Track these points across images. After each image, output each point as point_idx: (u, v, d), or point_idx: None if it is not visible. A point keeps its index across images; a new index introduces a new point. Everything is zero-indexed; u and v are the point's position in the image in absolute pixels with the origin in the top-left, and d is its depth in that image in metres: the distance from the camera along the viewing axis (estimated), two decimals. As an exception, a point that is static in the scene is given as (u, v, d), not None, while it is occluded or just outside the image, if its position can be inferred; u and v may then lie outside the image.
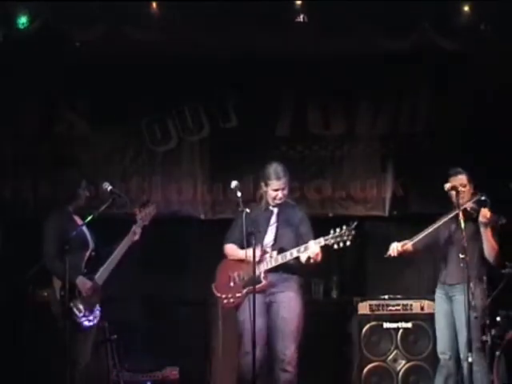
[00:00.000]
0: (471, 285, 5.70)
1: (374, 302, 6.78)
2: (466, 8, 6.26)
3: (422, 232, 5.88)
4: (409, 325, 6.69)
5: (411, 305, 6.74)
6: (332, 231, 5.62)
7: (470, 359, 5.46)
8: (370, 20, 6.33)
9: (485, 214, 5.71)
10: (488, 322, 5.79)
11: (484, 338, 5.75)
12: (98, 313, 5.65)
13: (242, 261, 5.74)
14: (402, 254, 5.96)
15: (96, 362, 5.75)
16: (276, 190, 5.80)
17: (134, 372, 6.58)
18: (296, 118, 7.47)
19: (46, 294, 6.33)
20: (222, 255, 6.00)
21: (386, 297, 6.83)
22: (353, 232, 5.62)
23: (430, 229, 5.87)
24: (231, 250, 5.92)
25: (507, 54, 6.52)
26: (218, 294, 5.90)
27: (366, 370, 6.66)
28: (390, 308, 6.77)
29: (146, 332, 7.06)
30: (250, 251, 5.57)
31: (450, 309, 5.92)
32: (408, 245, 5.91)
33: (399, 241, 6.29)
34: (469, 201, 5.78)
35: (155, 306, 7.15)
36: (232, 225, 6.00)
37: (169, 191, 7.41)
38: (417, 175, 7.17)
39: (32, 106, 7.25)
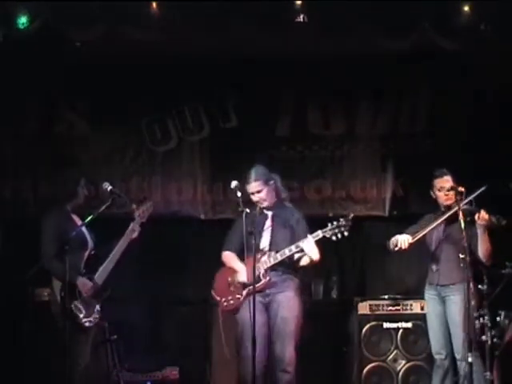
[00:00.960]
0: (461, 286, 5.75)
1: (373, 302, 6.78)
2: (466, 8, 6.26)
3: (422, 229, 5.91)
4: (409, 325, 6.69)
5: (411, 305, 6.74)
6: (329, 223, 5.70)
7: (470, 359, 5.46)
8: (370, 20, 6.33)
9: (483, 216, 5.71)
10: (488, 321, 5.80)
11: (484, 337, 5.76)
12: (97, 313, 5.65)
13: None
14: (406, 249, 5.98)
15: (96, 362, 5.75)
16: (252, 194, 5.85)
17: (134, 372, 6.57)
18: (296, 118, 7.47)
19: (45, 293, 6.35)
20: (221, 258, 6.04)
21: (386, 297, 6.84)
22: (350, 223, 5.71)
23: (432, 226, 5.89)
24: (229, 259, 5.97)
25: (507, 53, 6.52)
26: (218, 298, 5.92)
27: (365, 370, 6.66)
28: (390, 308, 6.77)
29: (146, 332, 7.06)
30: (243, 267, 5.76)
31: (443, 309, 5.96)
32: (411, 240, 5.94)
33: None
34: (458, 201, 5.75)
35: (155, 305, 7.15)
36: (231, 229, 6.03)
37: (169, 191, 7.41)
38: (417, 175, 7.16)
39: (32, 105, 7.25)
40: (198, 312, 6.98)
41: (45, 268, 5.66)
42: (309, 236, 5.72)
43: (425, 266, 6.22)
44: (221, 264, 6.04)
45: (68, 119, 7.33)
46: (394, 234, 6.23)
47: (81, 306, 5.56)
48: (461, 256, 5.59)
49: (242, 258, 5.84)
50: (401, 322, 6.72)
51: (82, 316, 5.55)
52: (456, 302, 5.85)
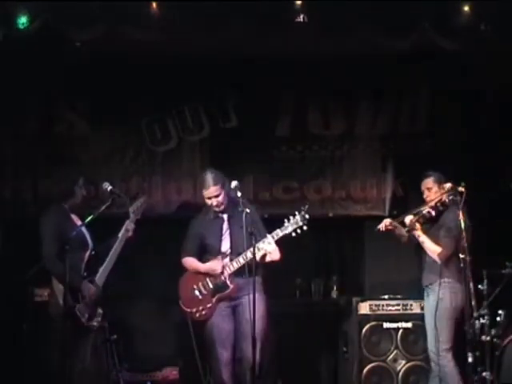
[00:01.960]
0: (435, 286, 5.80)
1: (373, 302, 6.78)
2: (466, 8, 6.26)
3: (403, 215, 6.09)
4: (409, 325, 6.69)
5: (411, 305, 6.75)
6: (286, 220, 5.72)
7: (470, 359, 5.47)
8: (370, 20, 6.33)
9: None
10: (488, 321, 5.81)
11: (484, 337, 5.77)
12: (100, 316, 5.64)
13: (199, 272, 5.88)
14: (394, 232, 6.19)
15: (96, 362, 5.75)
16: (209, 199, 5.90)
17: (134, 372, 6.57)
18: (296, 118, 7.47)
19: (46, 294, 6.35)
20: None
21: (386, 297, 6.84)
22: (306, 215, 5.72)
23: (409, 213, 6.09)
24: (191, 263, 5.98)
25: (507, 53, 6.52)
26: (188, 310, 5.90)
27: (366, 369, 6.66)
28: (390, 308, 6.77)
29: (146, 332, 7.05)
30: (211, 264, 5.80)
31: None
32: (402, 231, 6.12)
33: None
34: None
35: (155, 305, 7.15)
36: (187, 235, 6.08)
37: (169, 191, 7.40)
38: (417, 175, 7.16)
39: (32, 105, 7.25)
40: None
41: (46, 268, 5.65)
42: (268, 236, 5.76)
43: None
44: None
45: (68, 119, 7.33)
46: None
47: (84, 310, 5.55)
48: (461, 256, 5.60)
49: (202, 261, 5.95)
50: (401, 322, 6.72)
51: (84, 320, 5.54)
52: (429, 302, 6.01)
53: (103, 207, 5.75)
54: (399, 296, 6.86)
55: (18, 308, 6.61)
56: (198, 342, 6.79)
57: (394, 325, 6.72)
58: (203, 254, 6.00)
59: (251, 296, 5.54)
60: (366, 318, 6.74)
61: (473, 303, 5.56)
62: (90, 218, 5.69)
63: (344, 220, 7.52)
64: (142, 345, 6.95)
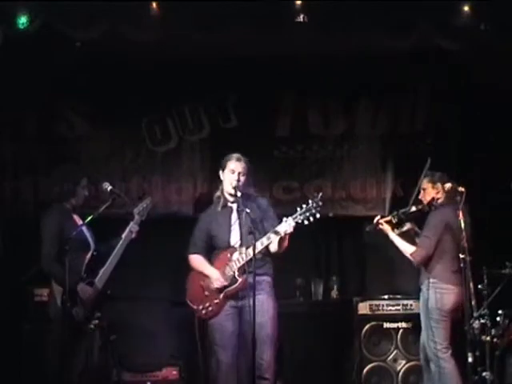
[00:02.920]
0: (424, 286, 5.80)
1: (374, 302, 6.79)
2: (466, 8, 6.25)
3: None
4: (409, 325, 6.70)
5: (411, 305, 6.75)
6: (298, 208, 5.42)
7: (470, 359, 5.47)
8: (370, 20, 6.32)
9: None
10: (488, 321, 5.81)
11: (484, 337, 5.77)
12: (97, 318, 5.59)
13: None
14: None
15: (96, 363, 5.74)
16: (233, 172, 5.56)
17: (134, 372, 6.57)
18: (296, 118, 7.47)
19: (45, 294, 6.34)
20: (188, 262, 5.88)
21: (386, 297, 6.84)
22: (320, 203, 5.40)
23: (401, 210, 6.11)
24: (198, 263, 5.71)
25: (507, 53, 6.52)
26: (195, 307, 5.65)
27: (365, 370, 6.67)
28: (390, 308, 6.78)
29: (146, 332, 7.05)
30: (214, 272, 5.52)
31: None
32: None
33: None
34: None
35: (155, 305, 7.15)
36: (194, 230, 5.81)
37: (169, 191, 7.41)
38: (417, 175, 7.16)
39: (32, 105, 7.25)
40: (198, 312, 6.97)
41: (44, 270, 5.61)
42: (279, 226, 5.40)
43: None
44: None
45: (68, 119, 7.33)
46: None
47: (81, 312, 5.52)
48: (461, 256, 5.60)
49: (209, 258, 5.72)
50: (401, 322, 6.73)
51: (82, 322, 5.52)
52: (420, 302, 6.00)
53: (103, 207, 5.73)
54: (399, 296, 6.87)
55: (18, 308, 6.61)
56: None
57: (394, 325, 6.73)
58: (212, 249, 5.72)
59: (259, 296, 5.36)
60: (366, 318, 6.75)
61: (473, 303, 5.55)
62: (89, 218, 5.68)
63: (344, 220, 7.52)
64: (142, 345, 6.94)
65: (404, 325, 6.72)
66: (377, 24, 6.34)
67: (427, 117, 7.47)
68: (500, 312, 6.04)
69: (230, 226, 5.62)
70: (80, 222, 5.75)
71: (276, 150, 7.46)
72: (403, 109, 7.50)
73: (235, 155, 5.65)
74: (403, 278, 7.30)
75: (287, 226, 5.37)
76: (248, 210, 5.37)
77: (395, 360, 6.71)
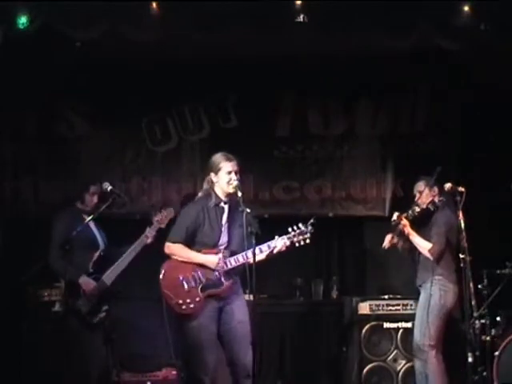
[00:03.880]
0: (427, 283, 5.85)
1: (374, 302, 6.79)
2: (466, 8, 6.25)
3: None
4: (409, 325, 6.69)
5: (411, 305, 6.74)
6: (290, 229, 5.32)
7: (470, 359, 5.47)
8: (370, 20, 6.32)
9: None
10: (488, 321, 5.82)
11: (484, 337, 5.77)
12: (104, 312, 5.67)
13: (189, 262, 5.40)
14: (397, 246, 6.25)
15: (97, 362, 5.76)
16: (229, 173, 5.42)
17: (134, 372, 6.57)
18: (296, 118, 7.48)
19: (46, 293, 6.37)
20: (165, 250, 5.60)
21: (386, 297, 6.84)
22: (311, 230, 5.31)
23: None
24: (183, 251, 5.43)
25: (507, 53, 6.52)
26: (173, 300, 5.39)
27: (365, 369, 6.67)
28: (390, 308, 6.78)
29: (146, 332, 7.05)
30: (209, 257, 5.35)
31: None
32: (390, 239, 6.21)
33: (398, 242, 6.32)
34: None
35: (155, 305, 7.13)
36: (178, 220, 5.53)
37: (169, 191, 7.41)
38: (417, 175, 7.17)
39: (32, 105, 7.25)
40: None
41: (49, 266, 5.71)
42: (274, 241, 5.33)
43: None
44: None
45: (68, 119, 7.34)
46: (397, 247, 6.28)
47: (85, 305, 5.58)
48: (461, 256, 5.60)
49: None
50: (401, 322, 6.73)
51: (86, 314, 5.59)
52: (420, 299, 6.07)
53: (103, 207, 5.78)
54: (399, 296, 6.87)
55: (18, 308, 6.61)
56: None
57: (394, 325, 6.73)
58: (192, 245, 5.46)
59: (241, 296, 5.42)
60: (366, 318, 6.75)
61: (473, 303, 5.56)
62: (89, 218, 5.73)
63: (344, 220, 7.52)
64: (142, 345, 6.93)
65: (404, 325, 6.72)
66: (377, 24, 6.34)
67: (427, 117, 7.48)
68: (500, 312, 6.05)
69: (220, 225, 5.47)
70: (91, 223, 5.84)
71: (276, 150, 7.46)
72: (403, 109, 7.51)
73: (225, 156, 5.48)
74: (403, 278, 7.30)
75: (281, 243, 5.33)
76: (248, 210, 5.27)
77: (395, 360, 6.72)
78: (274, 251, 5.39)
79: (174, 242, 5.45)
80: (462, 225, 5.60)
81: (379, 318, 6.74)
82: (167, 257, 5.50)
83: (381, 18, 6.32)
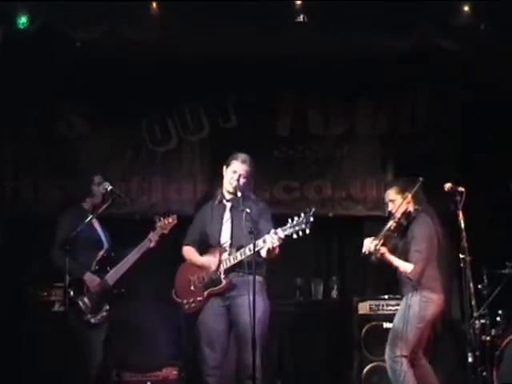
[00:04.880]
0: (409, 294, 5.65)
1: (373, 302, 6.78)
2: (466, 8, 6.25)
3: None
4: (409, 325, 6.68)
5: (411, 305, 6.73)
6: (290, 220, 5.20)
7: (470, 359, 5.46)
8: (370, 20, 6.33)
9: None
10: (488, 321, 5.81)
11: (484, 337, 5.76)
12: (106, 311, 5.71)
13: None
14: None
15: (98, 361, 5.76)
16: (234, 172, 5.47)
17: (134, 372, 6.57)
18: (296, 118, 7.48)
19: (45, 293, 6.38)
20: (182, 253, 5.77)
21: (386, 297, 6.84)
22: (311, 219, 5.15)
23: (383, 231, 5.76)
24: (189, 254, 5.62)
25: (507, 53, 6.52)
26: (179, 300, 5.57)
27: (365, 369, 6.66)
28: (390, 308, 6.77)
29: (146, 332, 7.05)
30: (208, 260, 5.43)
31: None
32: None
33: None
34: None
35: (155, 305, 7.14)
36: (192, 223, 5.72)
37: (169, 191, 7.41)
38: (417, 175, 7.16)
39: (32, 106, 7.25)
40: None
41: (52, 262, 5.73)
42: (267, 236, 5.23)
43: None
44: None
45: (68, 119, 7.35)
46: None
47: (88, 302, 5.60)
48: (461, 256, 5.58)
49: (200, 252, 5.60)
50: (401, 322, 6.71)
51: (88, 312, 5.62)
52: (400, 309, 5.77)
53: (103, 207, 5.79)
54: (399, 296, 6.84)
55: (18, 308, 6.62)
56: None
57: (394, 325, 6.72)
58: (204, 245, 5.60)
59: (247, 297, 5.15)
60: (366, 318, 6.74)
61: (473, 303, 5.55)
62: (89, 219, 5.73)
63: (344, 220, 7.52)
64: (142, 345, 6.94)
65: (404, 325, 6.70)
66: (377, 24, 6.34)
67: (427, 117, 7.48)
68: (500, 312, 6.04)
69: (221, 223, 5.53)
70: (96, 223, 5.88)
71: (276, 150, 7.47)
72: (403, 109, 7.50)
73: (242, 156, 5.53)
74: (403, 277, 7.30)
75: (276, 238, 5.19)
76: (248, 210, 5.30)
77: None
78: (271, 246, 5.24)
79: (185, 245, 5.67)
80: (462, 225, 5.58)
81: (379, 318, 6.73)
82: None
83: (381, 18, 6.32)
